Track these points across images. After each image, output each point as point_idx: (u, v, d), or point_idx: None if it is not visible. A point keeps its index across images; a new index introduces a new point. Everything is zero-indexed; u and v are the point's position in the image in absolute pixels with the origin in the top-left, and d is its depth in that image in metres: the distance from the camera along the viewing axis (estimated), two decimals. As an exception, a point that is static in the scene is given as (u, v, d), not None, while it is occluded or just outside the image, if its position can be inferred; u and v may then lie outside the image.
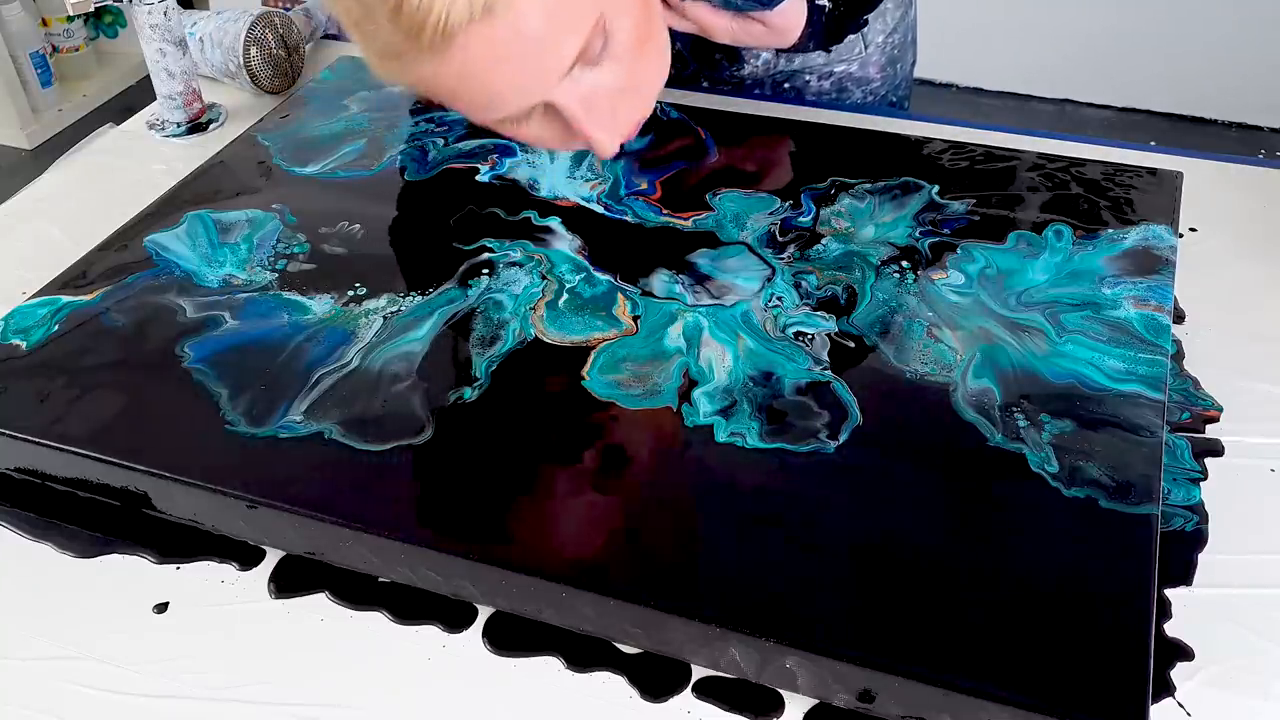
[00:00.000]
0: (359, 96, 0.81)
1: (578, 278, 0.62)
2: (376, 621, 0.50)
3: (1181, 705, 0.45)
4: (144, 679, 0.48)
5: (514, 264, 0.63)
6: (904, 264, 0.62)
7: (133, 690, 0.48)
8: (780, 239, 0.65)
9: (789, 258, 0.63)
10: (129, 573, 0.53)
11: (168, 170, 0.80)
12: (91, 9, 0.82)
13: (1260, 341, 0.63)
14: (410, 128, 0.77)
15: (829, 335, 0.58)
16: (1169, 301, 0.59)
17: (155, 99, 0.87)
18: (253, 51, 0.88)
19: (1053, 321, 0.58)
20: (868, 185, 0.69)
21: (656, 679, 0.47)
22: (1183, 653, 0.47)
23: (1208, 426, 0.57)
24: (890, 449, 0.51)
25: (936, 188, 0.69)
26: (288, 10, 0.93)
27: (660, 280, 0.62)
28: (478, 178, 0.71)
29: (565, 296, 0.61)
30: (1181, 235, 0.70)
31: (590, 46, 0.47)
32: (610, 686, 0.47)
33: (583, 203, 0.69)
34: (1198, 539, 0.52)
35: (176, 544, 0.53)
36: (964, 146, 0.73)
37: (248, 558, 0.53)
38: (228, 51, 0.88)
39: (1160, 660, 0.46)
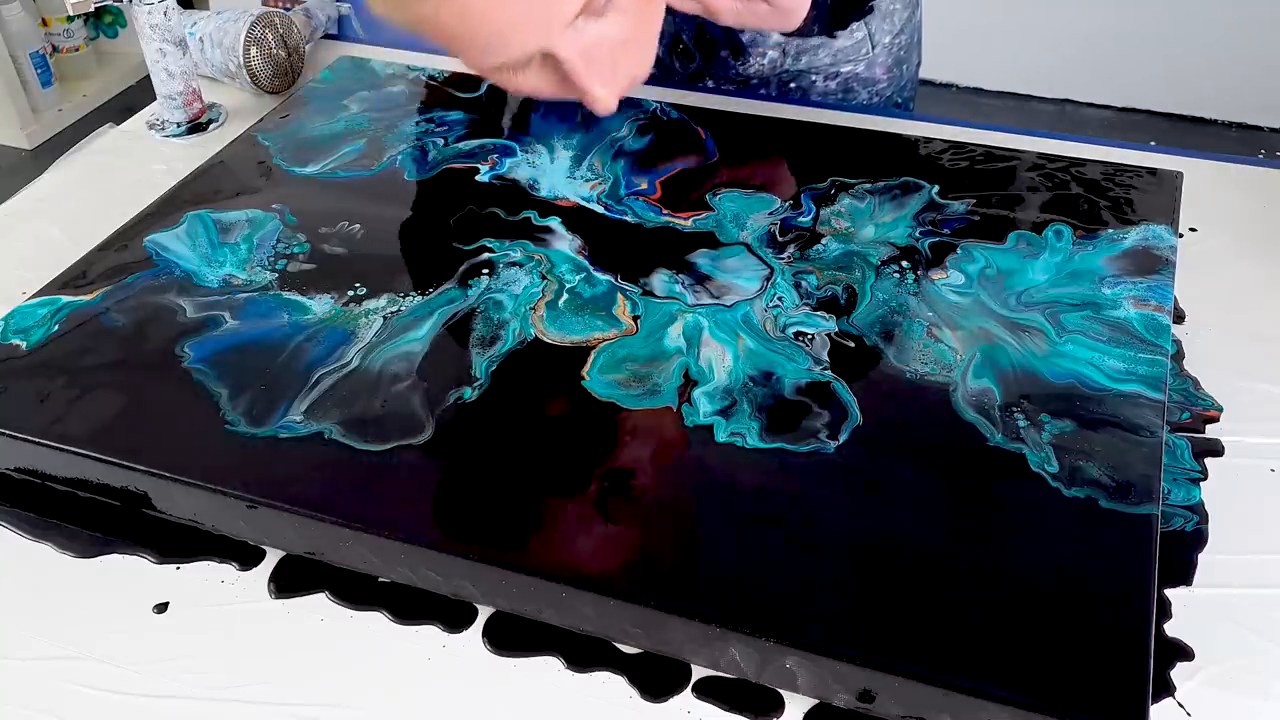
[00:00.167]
0: (359, 96, 0.81)
1: (578, 278, 0.62)
2: (376, 621, 0.50)
3: (1181, 705, 0.45)
4: (144, 679, 0.48)
5: (514, 264, 0.63)
6: (904, 264, 0.62)
7: (133, 690, 0.48)
8: (780, 239, 0.65)
9: (789, 258, 0.63)
10: (129, 573, 0.53)
11: (168, 170, 0.80)
12: (91, 9, 0.82)
13: (1260, 341, 0.63)
14: (410, 128, 0.77)
15: (829, 335, 0.58)
16: (1169, 301, 0.59)
17: (155, 99, 0.87)
18: (253, 51, 0.88)
19: (1053, 321, 0.58)
20: (868, 185, 0.69)
21: (656, 679, 0.47)
22: (1183, 653, 0.47)
23: (1208, 426, 0.57)
24: (890, 449, 0.51)
25: (936, 188, 0.69)
26: (288, 10, 0.93)
27: (660, 280, 0.62)
28: (478, 178, 0.72)
29: (565, 296, 0.61)
30: (1181, 235, 0.70)
31: None
32: (610, 686, 0.47)
33: (583, 203, 0.69)
34: (1198, 539, 0.52)
35: (176, 544, 0.53)
36: (964, 146, 0.73)
37: (248, 558, 0.53)
38: (228, 51, 0.88)
39: (1160, 660, 0.46)
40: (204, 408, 0.54)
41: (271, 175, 0.73)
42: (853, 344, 0.57)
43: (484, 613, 0.50)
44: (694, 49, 0.87)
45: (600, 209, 0.68)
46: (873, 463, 0.50)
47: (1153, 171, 0.70)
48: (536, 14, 0.46)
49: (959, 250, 0.63)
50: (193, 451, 0.52)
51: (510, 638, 0.49)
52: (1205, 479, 0.54)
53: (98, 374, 0.56)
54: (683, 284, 0.61)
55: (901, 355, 0.56)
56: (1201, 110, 2.29)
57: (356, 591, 0.51)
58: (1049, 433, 0.51)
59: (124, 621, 0.50)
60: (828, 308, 0.59)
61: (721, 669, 0.47)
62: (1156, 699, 0.45)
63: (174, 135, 0.86)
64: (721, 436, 0.52)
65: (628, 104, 0.79)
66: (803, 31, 0.68)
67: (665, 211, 0.67)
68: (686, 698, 0.47)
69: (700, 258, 0.63)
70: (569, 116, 0.78)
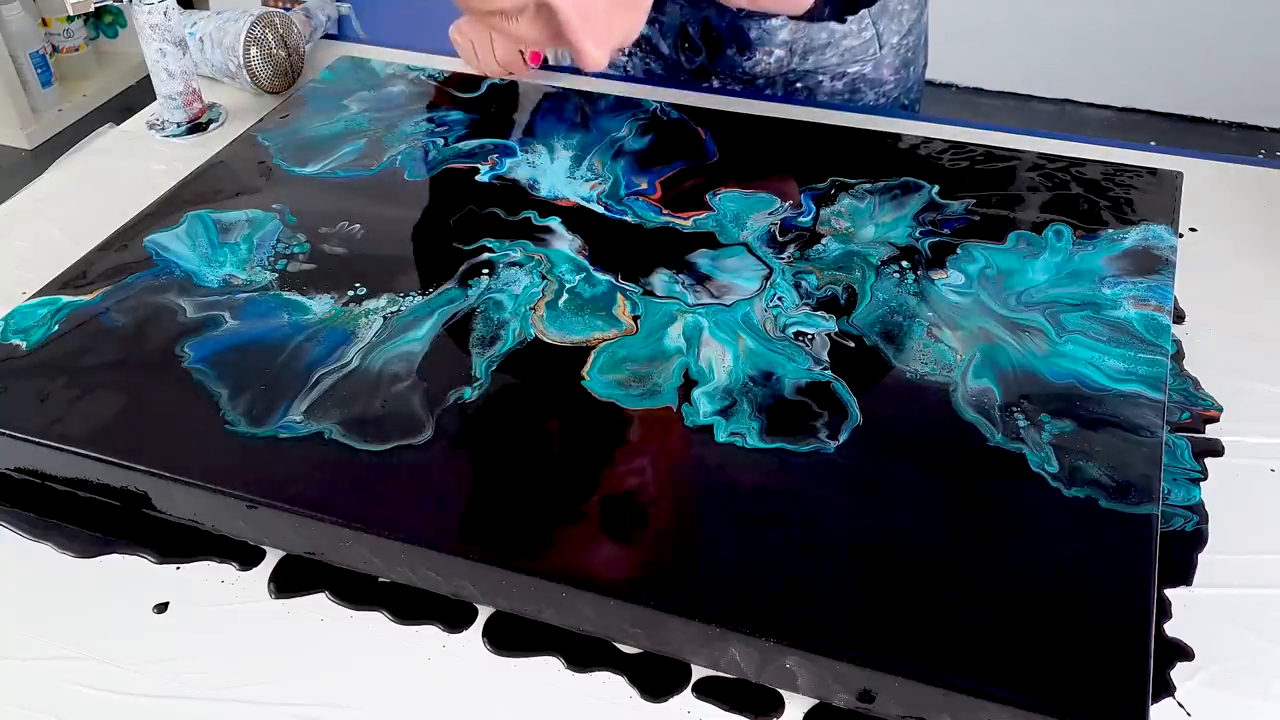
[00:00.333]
0: (359, 96, 0.81)
1: (578, 278, 0.62)
2: (376, 621, 0.50)
3: (1181, 705, 0.45)
4: (144, 679, 0.48)
5: (514, 264, 0.63)
6: (904, 264, 0.62)
7: (133, 690, 0.48)
8: (780, 239, 0.65)
9: (789, 258, 0.63)
10: (129, 573, 0.53)
11: (168, 170, 0.80)
12: (91, 9, 0.82)
13: (1260, 341, 0.63)
14: (410, 127, 0.77)
15: (829, 335, 0.58)
16: (1169, 301, 0.59)
17: (155, 99, 0.87)
18: (253, 51, 0.88)
19: (1053, 321, 0.58)
20: (868, 185, 0.69)
21: (656, 679, 0.47)
22: (1183, 653, 0.47)
23: (1208, 426, 0.57)
24: (890, 449, 0.51)
25: (936, 188, 0.69)
26: (288, 10, 0.93)
27: (660, 280, 0.62)
28: (478, 178, 0.71)
29: (565, 296, 0.61)
30: (1181, 235, 0.70)
31: None
32: (610, 686, 0.47)
33: (583, 203, 0.69)
34: (1198, 539, 0.52)
35: (176, 544, 0.53)
36: (964, 146, 0.73)
37: (248, 558, 0.53)
38: (228, 51, 0.88)
39: (1160, 660, 0.46)
40: (204, 408, 0.54)
41: (271, 175, 0.73)
42: (853, 344, 0.57)
43: (484, 613, 0.50)
44: (700, 43, 0.87)
45: (600, 209, 0.68)
46: (873, 463, 0.50)
47: (1153, 171, 0.70)
48: None
49: (959, 250, 0.63)
50: (193, 451, 0.52)
51: (510, 638, 0.49)
52: (1205, 479, 0.54)
53: (98, 374, 0.56)
54: (683, 284, 0.61)
55: (901, 355, 0.56)
56: (1201, 110, 2.29)
57: (356, 591, 0.51)
58: (1049, 433, 0.51)
59: (124, 621, 0.50)
60: (828, 308, 0.59)
61: (721, 669, 0.47)
62: (1156, 699, 0.45)
63: (174, 135, 0.86)
64: (721, 436, 0.52)
65: (628, 104, 0.79)
66: (813, 15, 0.68)
67: (665, 211, 0.67)
68: (686, 698, 0.47)
69: (700, 258, 0.63)
70: (569, 117, 0.78)
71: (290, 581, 0.52)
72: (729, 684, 0.47)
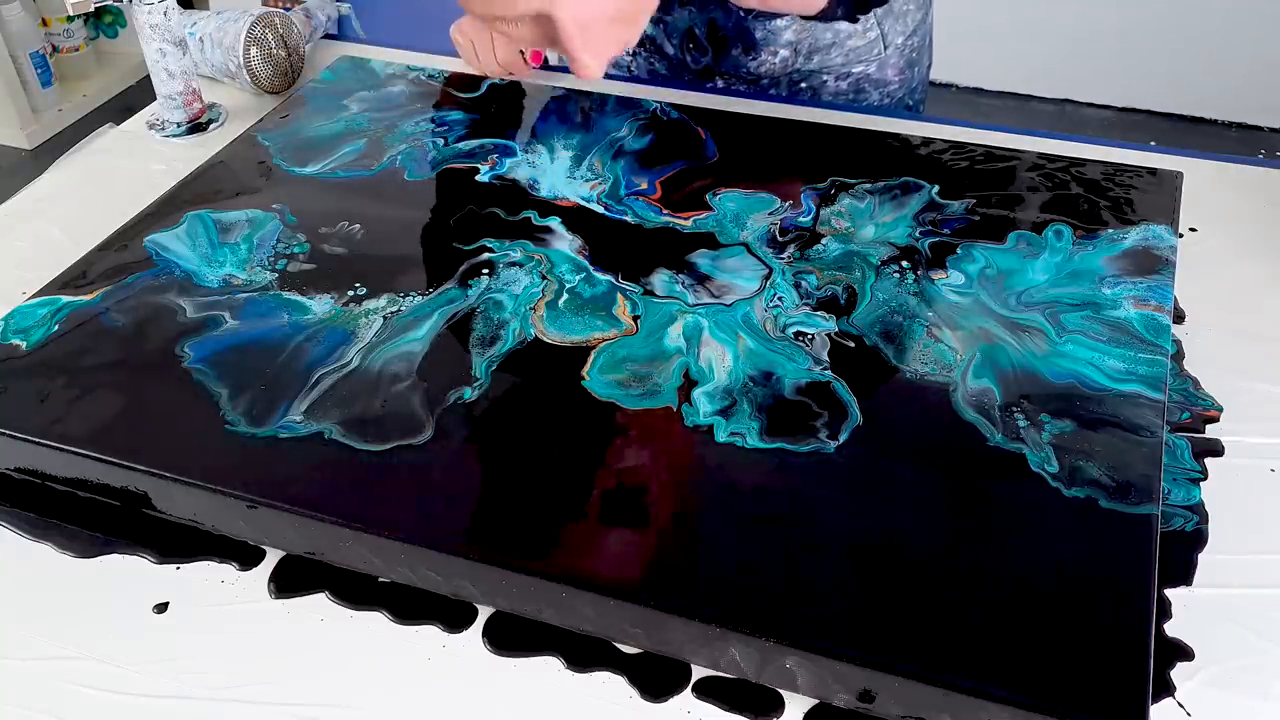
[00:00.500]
0: (359, 96, 0.81)
1: (578, 278, 0.62)
2: (376, 621, 0.50)
3: (1181, 705, 0.45)
4: (144, 679, 0.48)
5: (514, 264, 0.63)
6: (904, 264, 0.62)
7: (133, 690, 0.48)
8: (780, 239, 0.65)
9: (789, 258, 0.63)
10: (129, 573, 0.53)
11: (168, 170, 0.80)
12: (91, 9, 0.82)
13: (1260, 341, 0.63)
14: (410, 127, 0.77)
15: (829, 335, 0.58)
16: (1169, 301, 0.59)
17: (155, 99, 0.87)
18: (253, 51, 0.88)
19: (1053, 321, 0.58)
20: (868, 185, 0.69)
21: (656, 679, 0.47)
22: (1183, 653, 0.47)
23: (1208, 426, 0.57)
24: (890, 449, 0.51)
25: (936, 188, 0.69)
26: (288, 10, 0.93)
27: (660, 280, 0.62)
28: (478, 178, 0.72)
29: (565, 296, 0.61)
30: (1181, 235, 0.70)
31: None
32: (610, 686, 0.47)
33: (583, 203, 0.69)
34: (1198, 539, 0.52)
35: (176, 544, 0.53)
36: (964, 146, 0.73)
37: (248, 558, 0.53)
38: (228, 51, 0.88)
39: (1160, 660, 0.46)
40: (204, 408, 0.54)
41: (271, 175, 0.73)
42: (853, 344, 0.57)
43: (484, 613, 0.50)
44: (706, 44, 0.87)
45: (600, 209, 0.68)
46: (873, 463, 0.50)
47: (1153, 171, 0.70)
48: None
49: (959, 250, 0.63)
50: (193, 451, 0.52)
51: (510, 638, 0.49)
52: (1205, 479, 0.54)
53: (98, 374, 0.56)
54: (683, 284, 0.61)
55: (901, 355, 0.56)
56: (1201, 110, 2.29)
57: (356, 591, 0.51)
58: (1049, 433, 0.51)
59: (124, 621, 0.50)
60: (828, 308, 0.59)
61: (721, 669, 0.47)
62: (1156, 699, 0.45)
63: (174, 135, 0.86)
64: (721, 436, 0.52)
65: (628, 104, 0.79)
66: (826, 15, 0.68)
67: (665, 211, 0.67)
68: (686, 698, 0.47)
69: (700, 258, 0.63)
70: (569, 117, 0.78)
71: (290, 581, 0.52)
72: (729, 684, 0.47)
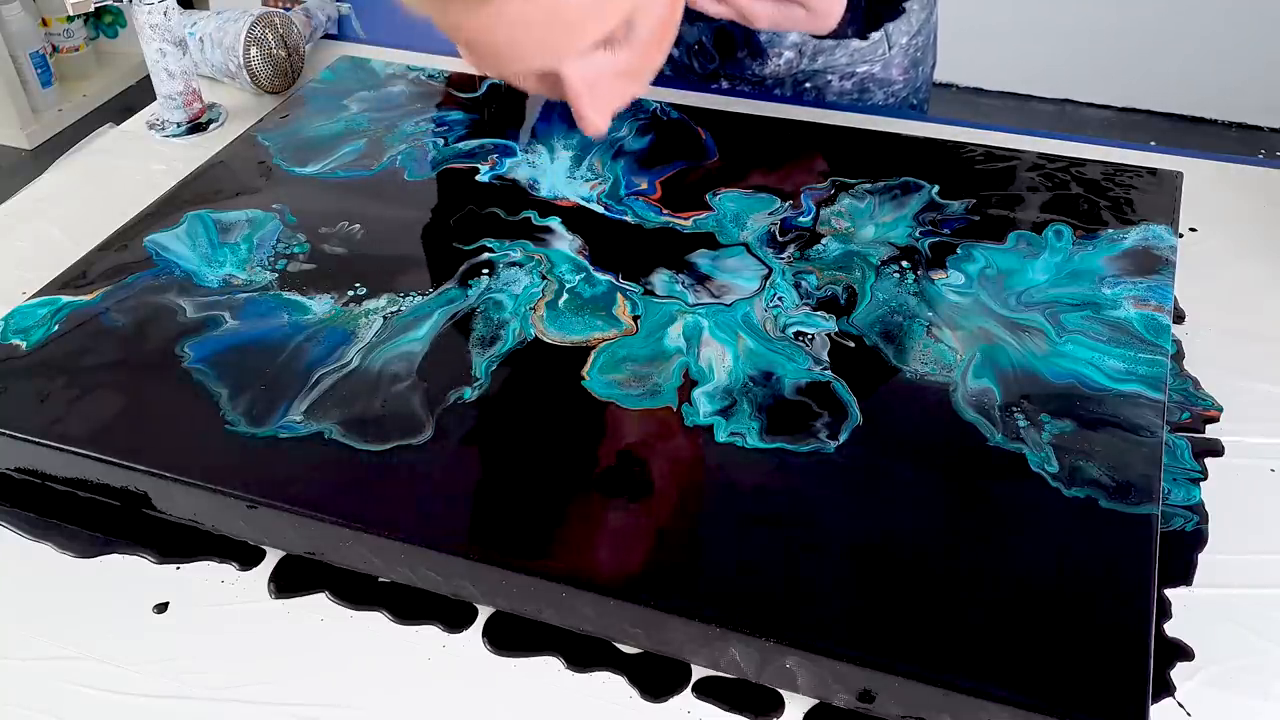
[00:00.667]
0: (359, 96, 0.81)
1: (578, 278, 0.62)
2: (376, 621, 0.50)
3: (1181, 705, 0.45)
4: (144, 679, 0.48)
5: (514, 264, 0.63)
6: (904, 264, 0.62)
7: (133, 690, 0.48)
8: (780, 239, 0.65)
9: (789, 258, 0.63)
10: (129, 573, 0.53)
11: (168, 170, 0.80)
12: (91, 9, 0.82)
13: (1260, 341, 0.63)
14: (410, 127, 0.77)
15: (829, 335, 0.58)
16: (1169, 301, 0.59)
17: (155, 99, 0.87)
18: (253, 51, 0.88)
19: (1053, 321, 0.58)
20: (867, 185, 0.69)
21: (656, 679, 0.47)
22: (1183, 653, 0.47)
23: (1208, 426, 0.57)
24: (890, 449, 0.51)
25: (936, 188, 0.69)
26: (288, 10, 0.93)
27: (660, 280, 0.62)
28: (478, 178, 0.72)
29: (565, 296, 0.61)
30: (1181, 235, 0.70)
31: (613, 34, 0.48)
32: (610, 686, 0.47)
33: (583, 203, 0.69)
34: (1198, 539, 0.52)
35: (176, 544, 0.53)
36: (964, 146, 0.73)
37: (248, 558, 0.53)
38: (228, 51, 0.88)
39: (1160, 660, 0.46)
40: (204, 408, 0.54)
41: (271, 175, 0.73)
42: (853, 344, 0.57)
43: (484, 613, 0.50)
44: (713, 50, 0.87)
45: (600, 209, 0.68)
46: (873, 463, 0.50)
47: (1153, 171, 0.70)
48: (552, 45, 0.47)
49: (959, 250, 0.63)
50: (193, 451, 0.52)
51: (510, 638, 0.49)
52: (1205, 479, 0.54)
53: (98, 374, 0.56)
54: (683, 284, 0.61)
55: (901, 355, 0.56)
56: (1201, 110, 2.29)
57: (356, 591, 0.51)
58: (1049, 433, 0.51)
59: (124, 621, 0.50)
60: (828, 308, 0.59)
61: (721, 669, 0.47)
62: (1156, 699, 0.45)
63: (174, 135, 0.86)
64: (721, 436, 0.52)
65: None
66: (837, 34, 0.68)
67: (665, 211, 0.68)
68: (686, 698, 0.47)
69: (700, 258, 0.63)
70: (570, 117, 0.78)
71: (290, 581, 0.52)
72: (729, 684, 0.47)
